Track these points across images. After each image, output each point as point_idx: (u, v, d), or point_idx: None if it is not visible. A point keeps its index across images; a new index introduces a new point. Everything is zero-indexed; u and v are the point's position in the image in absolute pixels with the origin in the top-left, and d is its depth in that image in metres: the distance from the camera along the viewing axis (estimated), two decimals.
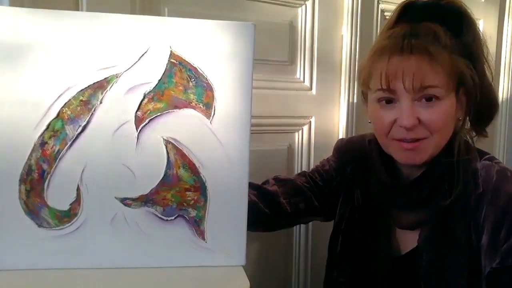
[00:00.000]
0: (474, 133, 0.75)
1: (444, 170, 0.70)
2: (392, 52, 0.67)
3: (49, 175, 0.56)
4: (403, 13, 0.73)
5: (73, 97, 0.55)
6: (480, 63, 0.71)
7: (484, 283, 0.66)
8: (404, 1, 0.74)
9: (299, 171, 1.10)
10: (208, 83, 0.57)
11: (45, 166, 0.55)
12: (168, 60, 0.56)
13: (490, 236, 0.66)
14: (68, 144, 0.56)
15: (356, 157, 0.84)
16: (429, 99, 0.66)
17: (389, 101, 0.68)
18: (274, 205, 0.80)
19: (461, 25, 0.70)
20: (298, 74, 1.15)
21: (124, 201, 0.57)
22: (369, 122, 0.76)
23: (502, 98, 1.58)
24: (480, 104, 0.71)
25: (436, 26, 0.68)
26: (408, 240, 0.74)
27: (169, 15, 0.95)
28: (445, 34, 0.67)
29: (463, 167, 0.70)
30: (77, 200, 0.57)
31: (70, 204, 0.57)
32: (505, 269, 0.64)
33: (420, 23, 0.69)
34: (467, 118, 0.73)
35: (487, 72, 0.72)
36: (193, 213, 0.59)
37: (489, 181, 0.68)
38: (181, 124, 0.57)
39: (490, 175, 0.69)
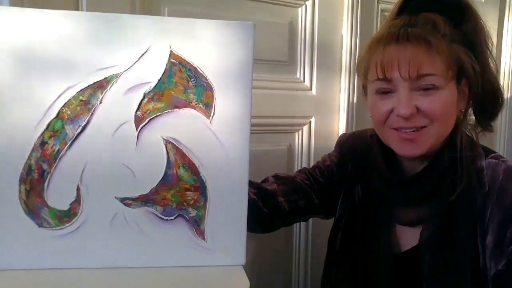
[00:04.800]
0: (479, 128, 0.73)
1: (447, 166, 0.69)
2: (387, 41, 0.66)
3: (49, 175, 0.56)
4: (403, 6, 0.73)
5: (73, 97, 0.55)
6: (482, 53, 0.69)
7: (490, 285, 0.65)
8: None
9: None
10: (208, 83, 0.57)
11: (45, 166, 0.55)
12: (168, 60, 0.56)
13: (495, 237, 0.65)
14: (68, 144, 0.56)
15: (358, 153, 0.83)
16: (426, 88, 0.65)
17: (387, 91, 0.68)
18: (272, 204, 0.79)
19: (461, 15, 0.69)
20: (298, 74, 1.15)
21: (124, 201, 0.57)
22: (370, 117, 0.75)
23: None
24: (483, 97, 0.69)
25: (435, 15, 0.67)
26: (409, 237, 0.73)
27: (169, 15, 0.95)
28: (444, 23, 0.67)
29: (466, 164, 0.68)
30: (77, 200, 0.57)
31: (70, 204, 0.57)
32: None
33: (420, 14, 0.68)
34: (470, 110, 0.72)
35: (491, 63, 0.70)
36: (193, 212, 0.59)
37: (495, 180, 0.67)
38: (181, 124, 0.57)
39: (497, 174, 0.67)
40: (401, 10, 0.73)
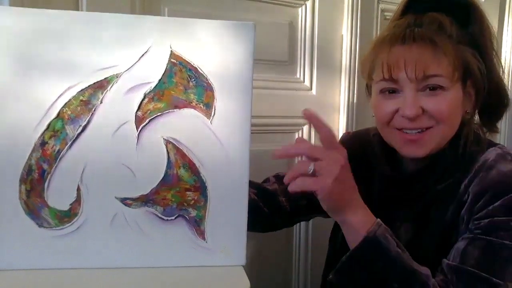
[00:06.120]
0: (484, 129, 0.73)
1: (450, 164, 0.68)
2: (394, 42, 0.66)
3: (49, 175, 0.56)
4: (409, 5, 0.72)
5: (74, 97, 0.55)
6: (488, 55, 0.69)
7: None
8: None
9: None
10: (208, 83, 0.57)
11: (45, 166, 0.55)
12: (169, 60, 0.56)
13: (469, 205, 0.64)
14: (68, 144, 0.55)
15: (360, 152, 0.82)
16: (433, 88, 0.64)
17: (392, 91, 0.68)
18: (273, 204, 0.79)
19: (468, 16, 0.68)
20: (298, 74, 1.15)
21: (124, 201, 0.57)
22: (373, 116, 0.75)
23: None
24: (489, 98, 0.69)
25: (441, 16, 0.67)
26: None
27: (169, 15, 0.95)
28: (450, 24, 0.66)
29: (470, 160, 0.68)
30: (77, 200, 0.57)
31: (70, 204, 0.56)
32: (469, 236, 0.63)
33: (426, 14, 0.68)
34: (476, 111, 0.71)
35: (496, 65, 0.70)
36: (193, 213, 0.59)
37: (485, 162, 0.66)
38: (182, 124, 0.57)
39: (489, 157, 0.67)
40: (406, 10, 0.72)
